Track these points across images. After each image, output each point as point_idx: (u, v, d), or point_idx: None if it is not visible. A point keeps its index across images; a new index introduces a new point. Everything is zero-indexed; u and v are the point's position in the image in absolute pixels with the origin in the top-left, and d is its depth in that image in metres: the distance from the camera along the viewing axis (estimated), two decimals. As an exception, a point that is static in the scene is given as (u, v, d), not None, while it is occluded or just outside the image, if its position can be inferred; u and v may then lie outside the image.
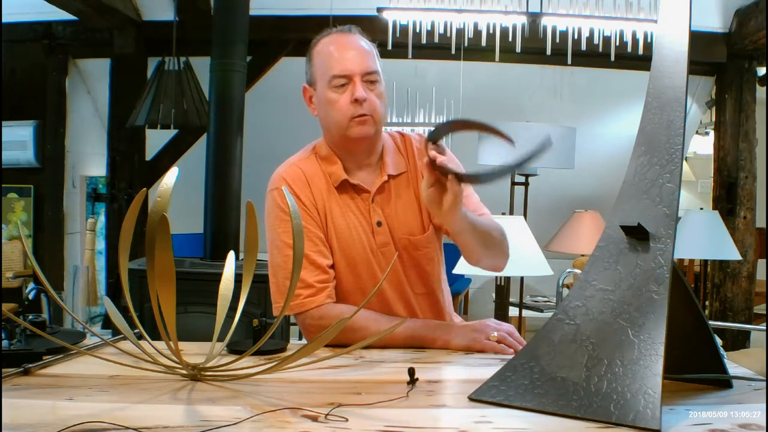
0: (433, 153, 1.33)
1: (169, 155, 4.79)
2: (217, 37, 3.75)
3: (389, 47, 3.45)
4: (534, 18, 3.42)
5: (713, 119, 5.31)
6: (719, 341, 2.46)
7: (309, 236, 1.54)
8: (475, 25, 3.49)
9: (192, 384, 1.19)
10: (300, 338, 4.13)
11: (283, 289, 1.55)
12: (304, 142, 1.71)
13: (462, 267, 2.85)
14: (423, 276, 1.64)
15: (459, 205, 1.37)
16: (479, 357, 1.47)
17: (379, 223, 1.59)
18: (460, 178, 1.33)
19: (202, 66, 4.10)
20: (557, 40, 3.52)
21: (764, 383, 1.20)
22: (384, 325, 1.48)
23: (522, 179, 4.00)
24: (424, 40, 3.55)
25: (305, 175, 1.59)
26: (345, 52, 1.54)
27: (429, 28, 3.47)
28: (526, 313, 4.30)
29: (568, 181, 5.03)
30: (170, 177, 1.23)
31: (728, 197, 4.80)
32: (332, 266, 1.57)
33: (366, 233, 1.58)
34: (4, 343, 1.29)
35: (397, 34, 3.53)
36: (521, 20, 3.42)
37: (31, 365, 1.24)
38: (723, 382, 1.20)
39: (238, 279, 1.37)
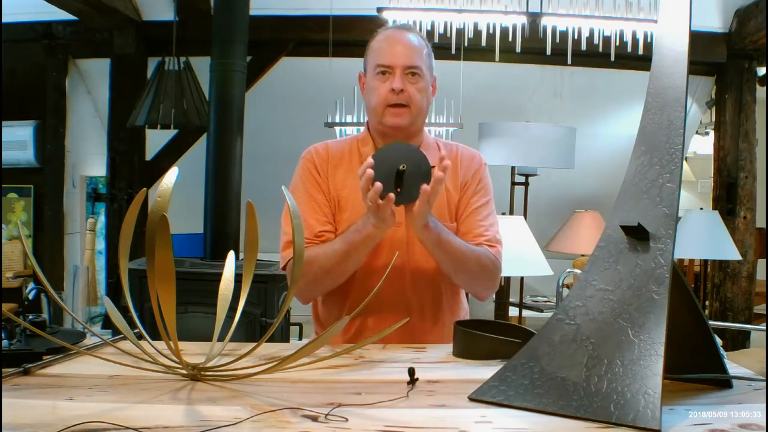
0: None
1: (169, 155, 4.79)
2: (217, 37, 3.74)
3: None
4: (534, 18, 3.42)
5: (713, 119, 5.31)
6: (719, 341, 2.45)
7: (312, 205, 1.67)
8: (475, 25, 3.48)
9: (192, 384, 1.19)
10: (300, 338, 4.14)
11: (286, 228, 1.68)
12: (304, 142, 1.79)
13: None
14: (433, 264, 1.66)
15: (414, 218, 1.49)
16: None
17: None
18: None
19: (202, 66, 4.10)
20: (557, 40, 3.52)
21: (764, 383, 1.20)
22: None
23: (522, 179, 4.00)
24: (424, 40, 3.54)
25: (329, 153, 1.73)
26: (393, 46, 1.67)
27: (429, 28, 3.46)
28: (526, 313, 4.30)
29: (568, 181, 5.03)
30: (170, 177, 1.23)
31: (728, 197, 4.79)
32: (328, 232, 1.67)
33: None
34: (4, 343, 1.29)
35: (398, 35, 3.52)
36: (521, 20, 3.41)
37: (31, 365, 1.24)
38: (723, 382, 1.20)
39: (238, 279, 1.37)
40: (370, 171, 1.43)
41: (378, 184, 1.42)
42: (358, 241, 1.56)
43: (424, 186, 1.44)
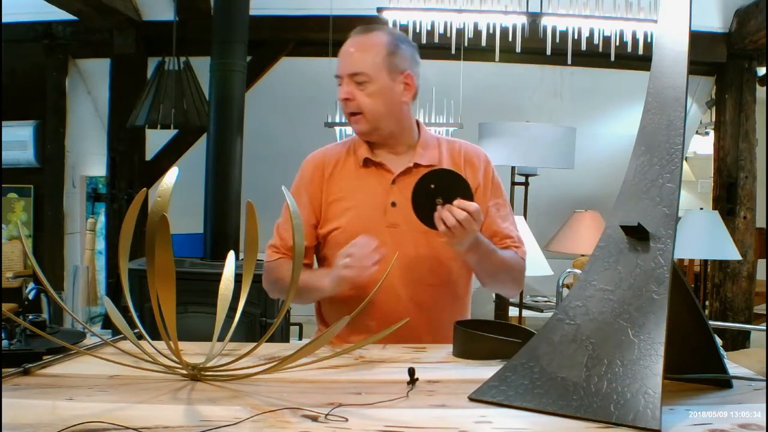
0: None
1: (169, 155, 4.79)
2: (217, 37, 3.74)
3: (389, 47, 3.44)
4: (534, 18, 3.41)
5: (713, 119, 5.31)
6: (719, 341, 2.45)
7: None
8: (475, 25, 3.48)
9: (192, 384, 1.19)
10: (300, 338, 4.14)
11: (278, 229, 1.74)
12: (304, 142, 1.77)
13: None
14: (439, 265, 1.65)
15: (456, 240, 1.46)
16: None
17: (393, 204, 1.63)
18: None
19: (202, 66, 4.10)
20: (557, 40, 3.51)
21: (764, 383, 1.20)
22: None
23: (522, 179, 4.00)
24: (424, 40, 3.54)
25: (324, 161, 1.72)
26: (342, 53, 1.65)
27: (429, 28, 3.46)
28: (526, 313, 4.30)
29: (568, 181, 5.03)
30: (170, 177, 1.24)
31: (728, 197, 4.79)
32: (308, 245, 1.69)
33: (378, 212, 1.63)
34: (4, 343, 1.29)
35: (397, 34, 3.52)
36: (521, 20, 3.41)
37: (31, 365, 1.24)
38: (723, 382, 1.20)
39: (238, 279, 1.37)
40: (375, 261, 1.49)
41: (362, 266, 1.48)
42: (310, 285, 1.59)
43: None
